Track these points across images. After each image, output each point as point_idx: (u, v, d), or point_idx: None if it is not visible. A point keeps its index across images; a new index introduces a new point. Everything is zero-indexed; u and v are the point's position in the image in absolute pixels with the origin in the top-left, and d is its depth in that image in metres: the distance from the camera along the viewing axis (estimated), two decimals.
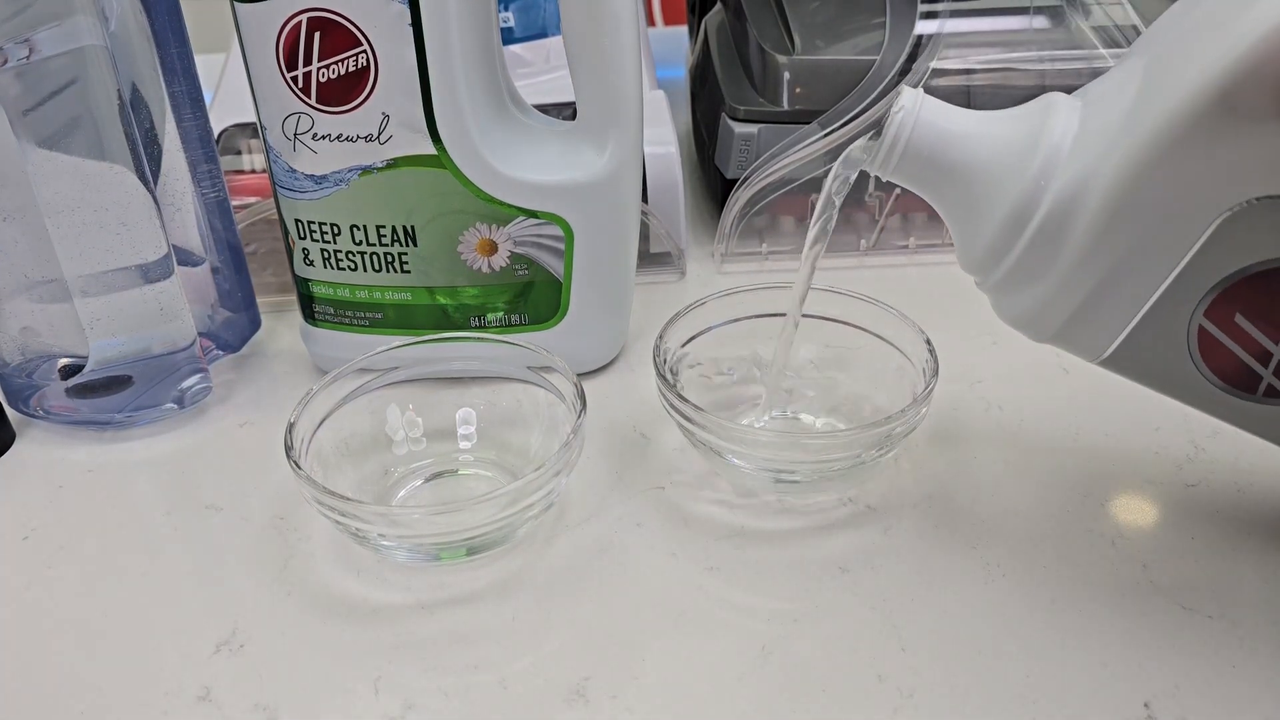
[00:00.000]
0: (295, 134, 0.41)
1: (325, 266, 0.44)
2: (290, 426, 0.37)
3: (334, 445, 0.39)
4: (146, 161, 0.41)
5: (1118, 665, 0.33)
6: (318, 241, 0.44)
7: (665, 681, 0.33)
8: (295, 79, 0.40)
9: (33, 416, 0.45)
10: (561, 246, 0.44)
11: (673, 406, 0.39)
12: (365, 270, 0.44)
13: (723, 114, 0.56)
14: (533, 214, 0.43)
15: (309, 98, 0.40)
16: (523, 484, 0.35)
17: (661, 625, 0.35)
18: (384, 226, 0.43)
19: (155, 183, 0.43)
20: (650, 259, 0.55)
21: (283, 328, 0.52)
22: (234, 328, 0.49)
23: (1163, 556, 0.37)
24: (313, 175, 0.42)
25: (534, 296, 0.45)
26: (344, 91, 0.40)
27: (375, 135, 0.41)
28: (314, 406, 0.39)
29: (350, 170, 0.42)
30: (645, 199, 0.54)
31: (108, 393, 0.44)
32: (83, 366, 0.43)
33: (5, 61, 0.37)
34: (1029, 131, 0.32)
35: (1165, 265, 0.30)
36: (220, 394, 0.47)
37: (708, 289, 0.45)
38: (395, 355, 0.41)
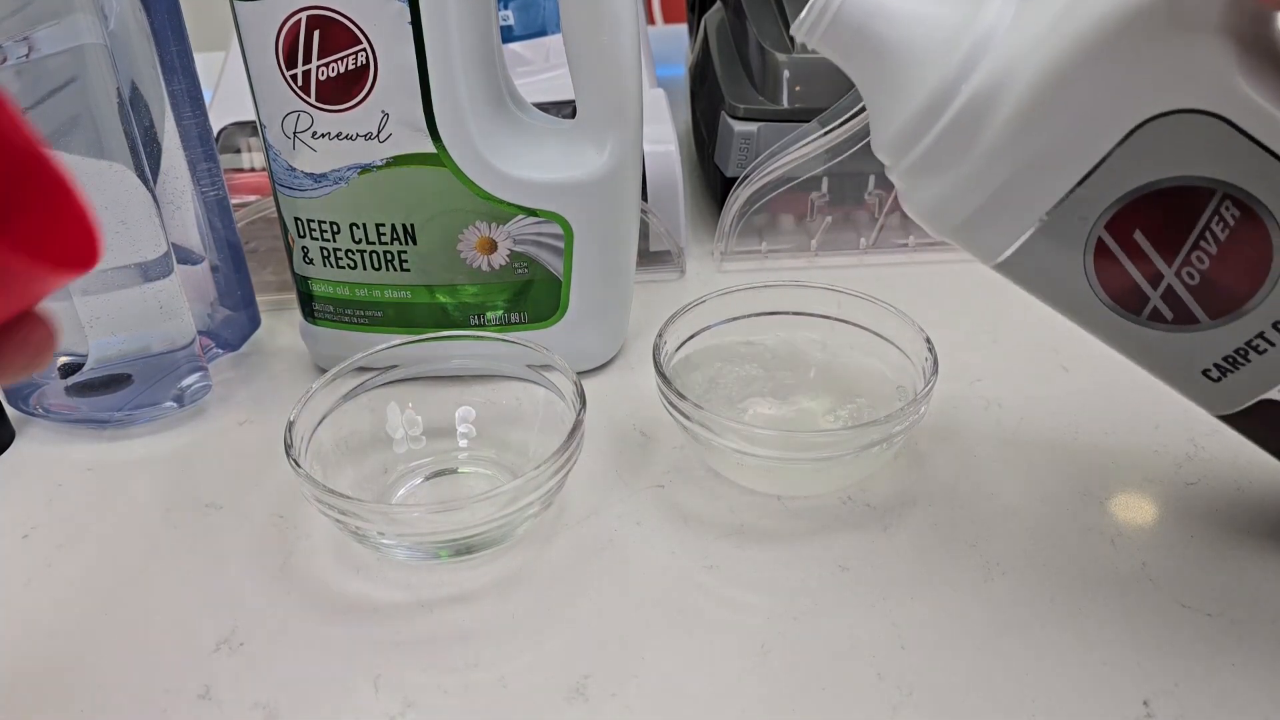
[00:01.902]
0: (295, 132, 0.41)
1: (325, 265, 0.44)
2: (290, 425, 0.37)
3: (333, 443, 0.39)
4: (146, 160, 0.41)
5: (1117, 663, 0.33)
6: (317, 240, 0.44)
7: (665, 679, 0.33)
8: (295, 77, 0.40)
9: (32, 415, 0.45)
10: (561, 245, 0.44)
11: (672, 405, 0.39)
12: (365, 269, 0.44)
13: (722, 112, 0.56)
14: (532, 212, 0.43)
15: (308, 96, 0.40)
16: (522, 482, 0.35)
17: (661, 623, 0.35)
18: (383, 225, 0.43)
19: (154, 181, 0.43)
20: (650, 257, 0.55)
21: (282, 326, 0.52)
22: (233, 326, 0.49)
23: (1162, 555, 0.37)
24: (312, 173, 0.42)
25: (533, 295, 0.45)
26: (343, 90, 0.40)
27: (375, 133, 0.41)
28: (313, 405, 0.39)
29: (350, 168, 0.42)
30: (645, 197, 0.53)
31: (107, 391, 0.44)
32: (82, 365, 0.43)
33: (4, 60, 0.37)
34: (961, 17, 0.31)
35: (1075, 170, 0.30)
36: (220, 392, 0.47)
37: (707, 287, 0.45)
38: (394, 354, 0.41)
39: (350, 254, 0.44)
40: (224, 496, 0.41)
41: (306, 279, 0.45)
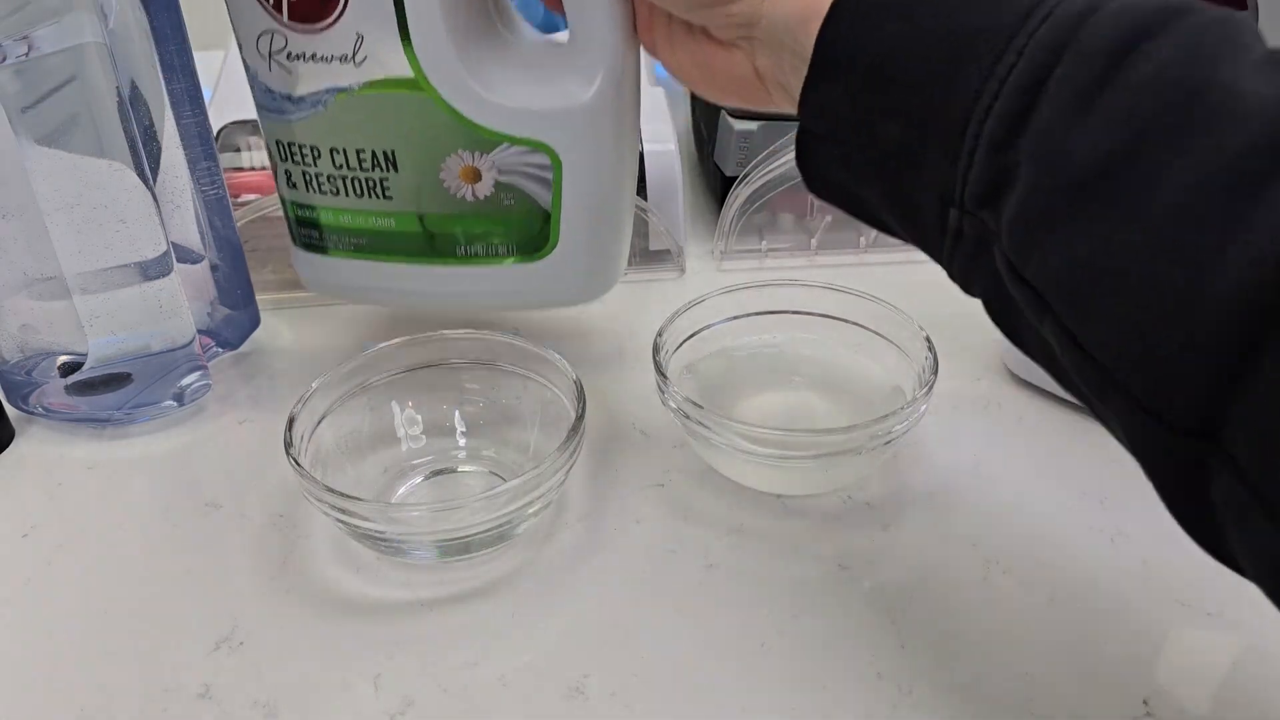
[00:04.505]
0: (270, 53, 0.39)
1: (308, 190, 0.42)
2: (290, 423, 0.37)
3: (333, 442, 0.39)
4: (145, 159, 0.41)
5: (1117, 662, 0.33)
6: (299, 164, 0.42)
7: (664, 678, 0.33)
8: None
9: (32, 414, 0.45)
10: (549, 176, 0.41)
11: (672, 404, 0.39)
12: (347, 195, 0.42)
13: (722, 111, 0.56)
14: (518, 141, 0.40)
15: (280, 14, 0.39)
16: (522, 481, 0.35)
17: (661, 622, 0.35)
18: (363, 150, 0.41)
19: (154, 180, 0.43)
20: (649, 256, 0.55)
21: (282, 325, 0.52)
22: (233, 325, 0.49)
23: (1162, 553, 0.37)
24: (289, 95, 0.40)
25: (522, 227, 0.42)
26: (316, 8, 0.38)
27: (350, 56, 0.39)
28: (313, 404, 0.39)
29: (327, 91, 0.40)
30: (645, 196, 0.53)
31: (107, 390, 0.44)
32: (82, 364, 0.43)
33: (4, 59, 0.37)
34: None
35: None
36: (219, 391, 0.47)
37: (707, 286, 0.45)
38: (394, 352, 0.41)
39: (332, 179, 0.42)
40: (224, 496, 0.41)
41: (292, 203, 0.43)
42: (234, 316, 0.49)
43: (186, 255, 0.46)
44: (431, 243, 0.43)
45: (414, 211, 0.42)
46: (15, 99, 0.38)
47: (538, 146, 0.40)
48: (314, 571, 0.37)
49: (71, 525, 0.40)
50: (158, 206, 0.42)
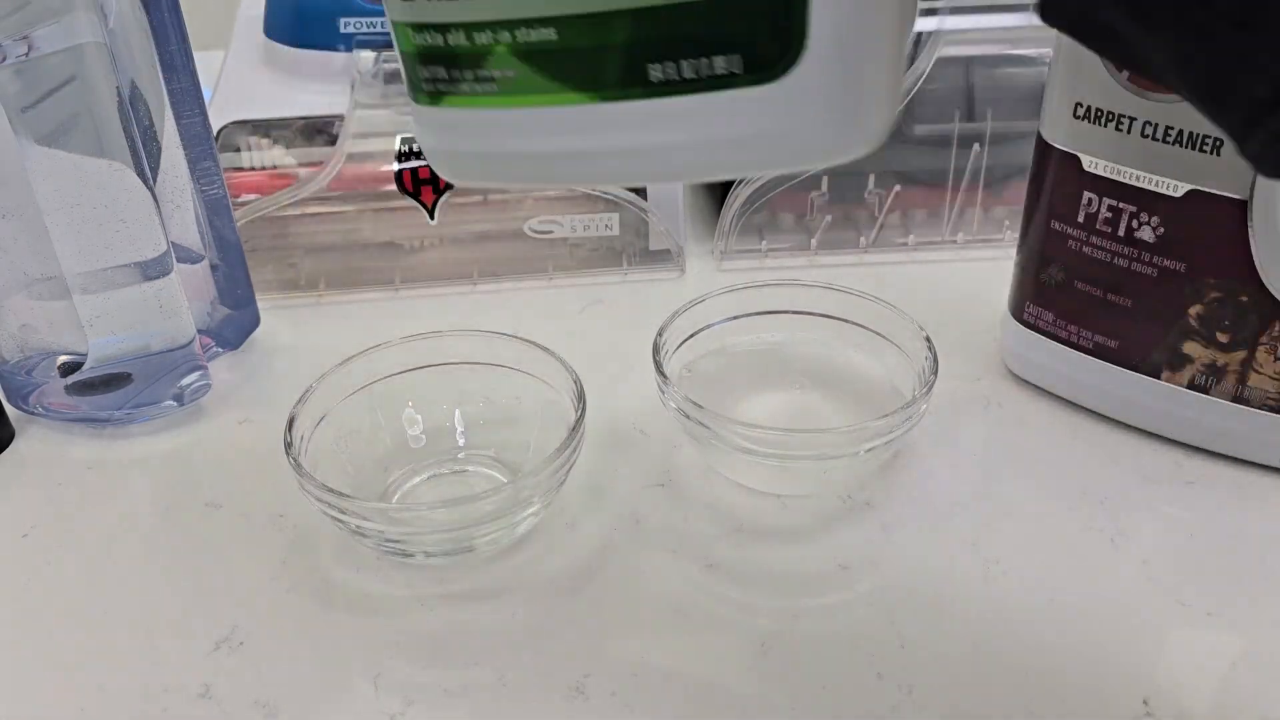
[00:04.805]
0: None
1: None
2: (290, 423, 0.37)
3: (333, 442, 0.39)
4: (145, 158, 0.41)
5: (1117, 663, 0.33)
6: None
7: (665, 679, 0.33)
8: None
9: (32, 414, 0.45)
10: None
11: (672, 403, 0.39)
12: None
13: None
14: None
15: None
16: (522, 481, 0.35)
17: (661, 622, 0.35)
18: None
19: (154, 180, 0.43)
20: (649, 256, 0.55)
21: (282, 325, 0.52)
22: (233, 325, 0.49)
23: (1162, 553, 0.37)
24: None
25: (749, 27, 0.24)
26: None
27: None
28: (313, 403, 0.39)
29: None
30: (644, 196, 0.53)
31: (107, 390, 0.44)
32: (82, 364, 0.43)
33: (4, 59, 0.37)
34: None
35: None
36: (219, 391, 0.47)
37: (707, 286, 0.45)
38: (394, 352, 0.41)
39: None
40: (224, 495, 0.41)
41: (405, 25, 0.25)
42: (234, 316, 0.49)
43: (186, 255, 0.46)
44: (613, 64, 0.25)
45: (581, 11, 0.24)
46: (15, 99, 0.38)
47: None
48: (314, 571, 0.37)
49: (71, 525, 0.40)
50: (158, 206, 0.42)
